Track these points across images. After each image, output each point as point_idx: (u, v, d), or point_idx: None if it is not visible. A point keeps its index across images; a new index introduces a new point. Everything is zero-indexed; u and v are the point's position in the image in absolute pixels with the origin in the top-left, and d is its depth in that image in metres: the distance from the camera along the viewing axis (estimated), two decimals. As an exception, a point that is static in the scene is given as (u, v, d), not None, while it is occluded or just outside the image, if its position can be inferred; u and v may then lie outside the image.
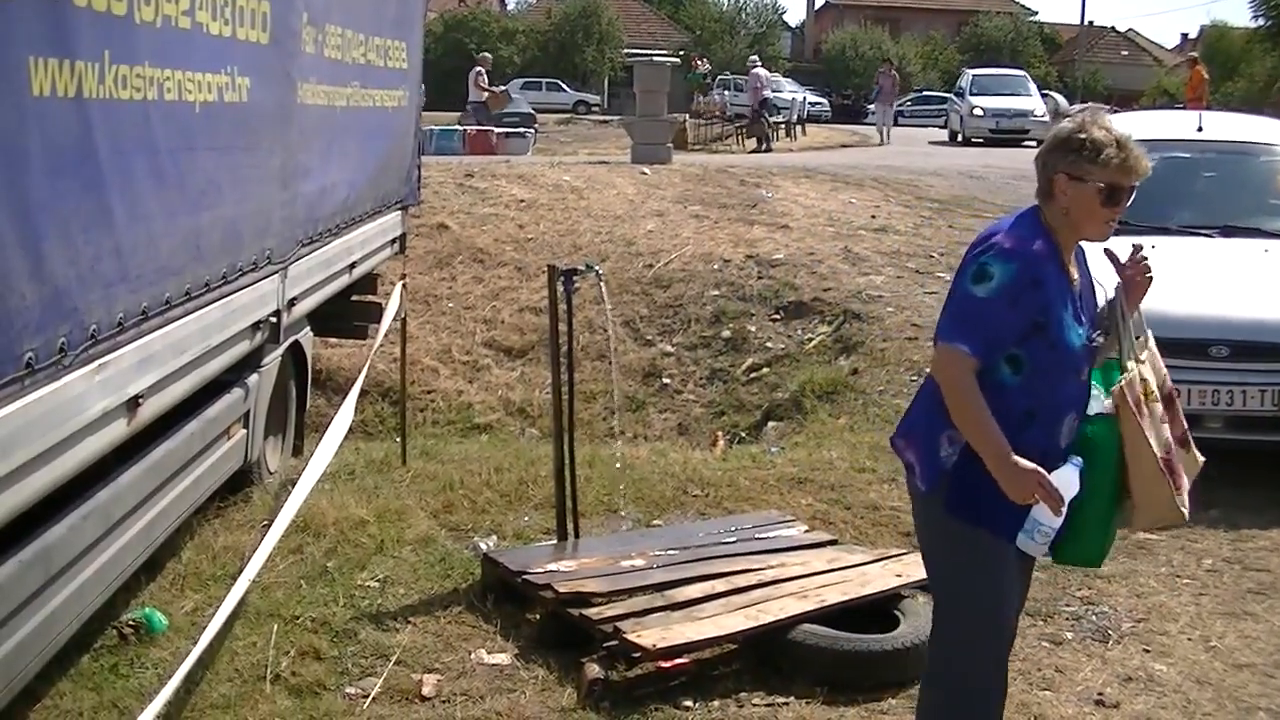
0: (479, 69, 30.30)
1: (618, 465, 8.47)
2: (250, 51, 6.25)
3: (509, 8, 77.47)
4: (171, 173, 5.36)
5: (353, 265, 9.05)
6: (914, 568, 6.45)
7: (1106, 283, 4.28)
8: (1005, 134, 33.55)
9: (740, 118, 34.97)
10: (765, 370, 12.76)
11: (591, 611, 5.87)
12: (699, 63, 46.14)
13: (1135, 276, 4.16)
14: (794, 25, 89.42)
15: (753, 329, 13.48)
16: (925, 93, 60.57)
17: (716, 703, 5.47)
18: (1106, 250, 4.17)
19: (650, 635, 5.55)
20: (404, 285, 9.06)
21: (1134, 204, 4.07)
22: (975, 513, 4.00)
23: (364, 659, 5.80)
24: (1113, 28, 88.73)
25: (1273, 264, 9.13)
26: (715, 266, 14.75)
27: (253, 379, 7.24)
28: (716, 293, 14.19)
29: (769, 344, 13.17)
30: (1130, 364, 4.10)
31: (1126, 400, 4.02)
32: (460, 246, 15.66)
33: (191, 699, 5.27)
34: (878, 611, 6.02)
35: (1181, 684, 5.82)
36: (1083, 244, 4.18)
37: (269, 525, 6.52)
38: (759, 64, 34.91)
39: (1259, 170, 10.60)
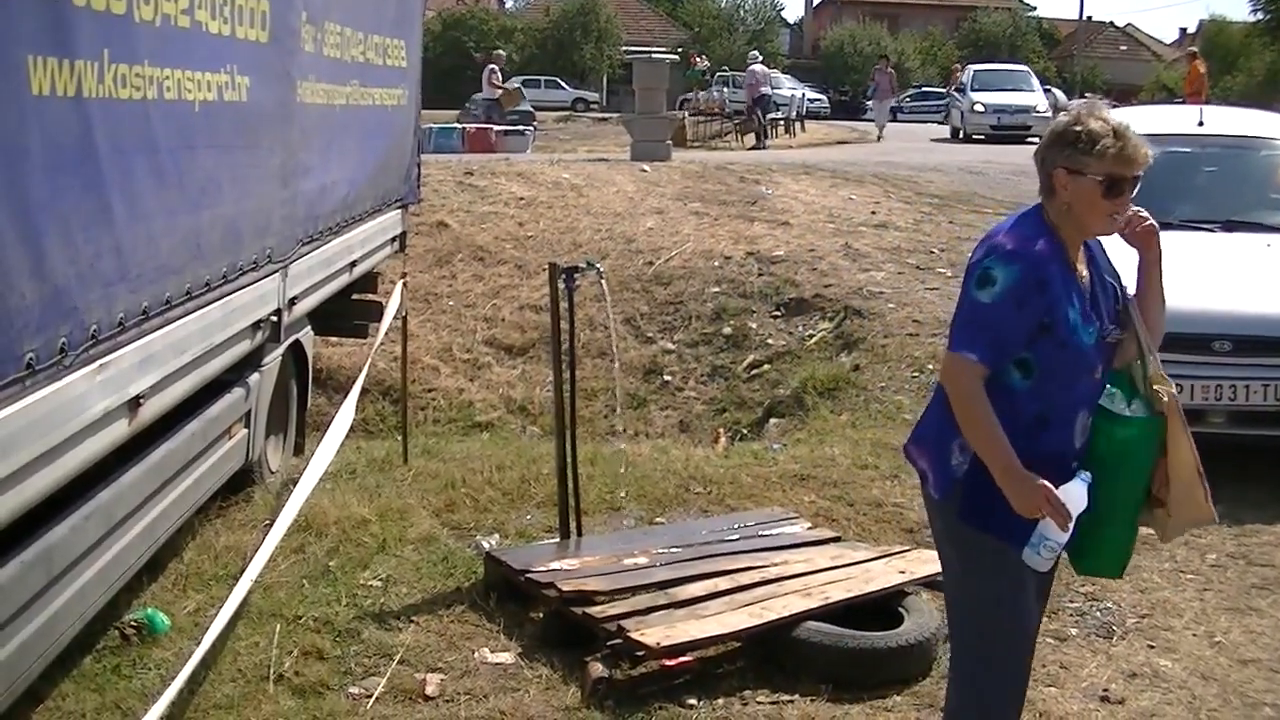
0: (493, 66, 30.34)
1: (621, 464, 8.45)
2: (250, 50, 6.23)
3: (507, 6, 77.56)
4: (171, 172, 5.34)
5: (353, 264, 9.03)
6: (917, 564, 6.46)
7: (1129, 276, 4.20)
8: (1007, 130, 32.82)
9: (739, 114, 34.93)
10: (766, 367, 12.75)
11: (595, 610, 5.86)
12: (697, 59, 46.15)
13: (1132, 232, 4.06)
14: (792, 22, 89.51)
15: (754, 326, 13.47)
16: (924, 89, 60.57)
17: (721, 701, 5.45)
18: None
19: (654, 633, 5.54)
20: (405, 284, 9.04)
21: (1135, 199, 4.01)
22: (987, 521, 3.91)
23: (367, 658, 5.79)
24: (1111, 23, 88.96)
25: (1275, 258, 9.11)
26: (716, 263, 14.73)
27: (254, 378, 7.23)
28: (717, 290, 14.18)
29: (770, 341, 13.16)
30: (1155, 363, 4.02)
31: (1175, 407, 3.95)
32: (460, 244, 15.65)
33: (194, 699, 5.26)
34: (881, 609, 6.01)
35: (1186, 680, 5.81)
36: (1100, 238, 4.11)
37: (270, 525, 6.51)
38: (759, 60, 34.80)
39: (1260, 164, 10.58)
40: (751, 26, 77.46)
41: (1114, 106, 4.18)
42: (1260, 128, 11.09)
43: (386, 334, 8.94)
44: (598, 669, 5.49)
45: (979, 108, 34.18)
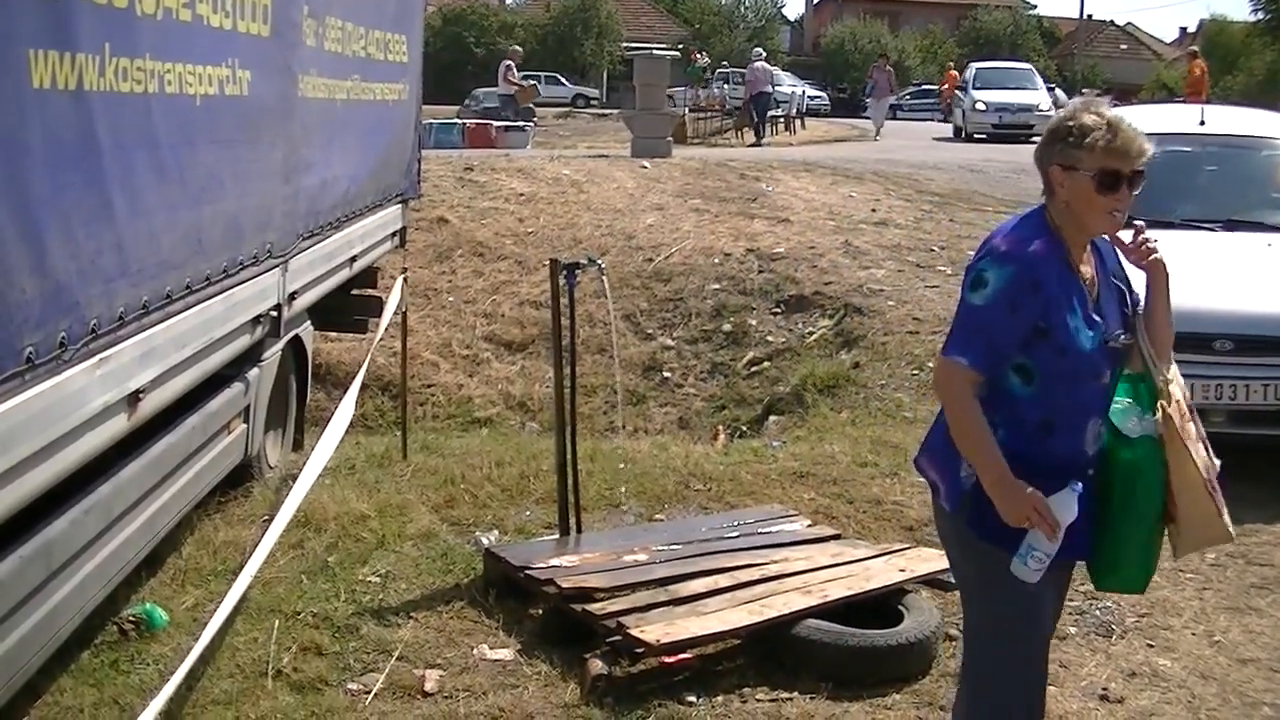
0: (509, 62, 30.40)
1: (620, 461, 8.44)
2: (251, 44, 6.23)
3: (508, 2, 77.40)
4: (172, 166, 5.34)
5: (353, 259, 9.03)
6: (917, 563, 6.45)
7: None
8: (1008, 130, 32.13)
9: (738, 110, 34.90)
10: (766, 364, 12.74)
11: (594, 607, 5.85)
12: (698, 56, 46.14)
13: (1139, 261, 3.97)
14: (793, 19, 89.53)
15: (753, 323, 13.46)
16: (924, 87, 60.52)
17: (720, 698, 5.44)
18: (1114, 238, 3.99)
19: (653, 631, 5.53)
20: (405, 279, 9.04)
21: (1135, 198, 3.92)
22: (997, 532, 3.79)
23: (366, 655, 5.78)
24: (1111, 21, 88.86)
25: (1275, 258, 9.11)
26: (716, 260, 14.72)
27: (253, 373, 7.22)
28: (717, 286, 14.17)
29: (770, 338, 13.16)
30: (1162, 380, 3.92)
31: (1174, 423, 3.85)
32: (460, 240, 15.64)
33: (193, 695, 5.25)
34: (881, 607, 6.00)
35: (1186, 679, 5.81)
36: (1108, 238, 4.01)
37: (269, 520, 6.50)
38: (763, 58, 34.71)
39: (1261, 164, 10.56)
40: (752, 23, 77.48)
41: (1115, 104, 4.08)
42: (1261, 127, 11.08)
43: (386, 329, 8.93)
44: (597, 666, 5.48)
45: (980, 106, 33.63)
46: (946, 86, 52.80)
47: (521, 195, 17.30)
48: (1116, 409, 3.94)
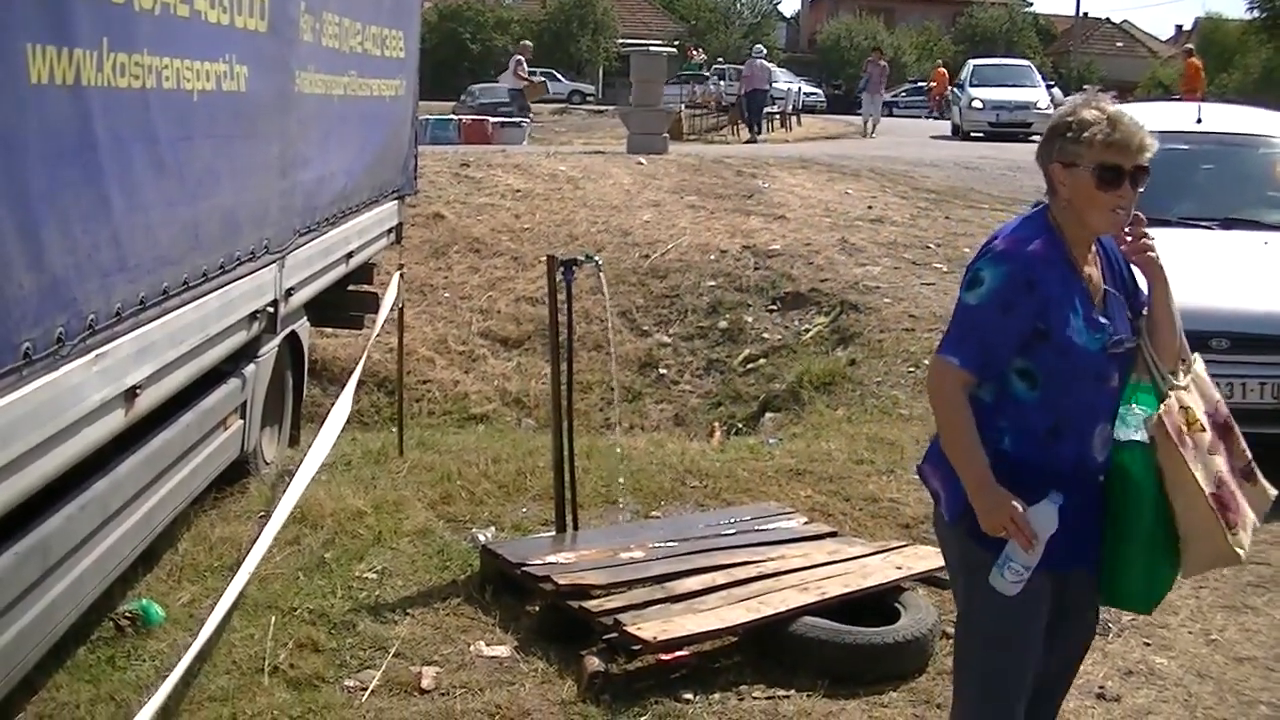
0: (519, 57, 30.41)
1: (618, 456, 8.43)
2: (248, 40, 6.21)
3: (504, -2, 77.40)
4: (170, 161, 5.32)
5: (350, 255, 9.02)
6: (914, 560, 6.45)
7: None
8: (1006, 128, 31.63)
9: (733, 105, 34.88)
10: (762, 361, 12.75)
11: (591, 604, 5.85)
12: (694, 53, 46.13)
13: (1132, 255, 3.87)
14: (789, 15, 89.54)
15: (749, 320, 13.47)
16: (920, 84, 60.49)
17: (717, 695, 5.44)
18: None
19: (650, 628, 5.53)
20: (401, 275, 9.03)
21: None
22: (994, 543, 3.70)
23: (362, 651, 5.77)
24: (1107, 19, 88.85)
25: (1273, 256, 9.11)
26: (712, 257, 14.73)
27: (250, 369, 7.21)
28: (713, 283, 14.18)
29: (766, 335, 13.17)
30: (1167, 385, 3.82)
31: (1165, 431, 3.72)
32: (456, 236, 15.64)
33: (190, 691, 5.24)
34: (878, 604, 6.00)
35: (1182, 677, 5.81)
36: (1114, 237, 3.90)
37: (266, 516, 6.50)
38: (763, 55, 34.65)
39: (1259, 162, 10.57)
40: (748, 20, 77.48)
41: (1115, 100, 4.00)
42: (1258, 126, 11.08)
43: (382, 325, 8.92)
44: (594, 663, 5.48)
45: (977, 104, 33.04)
46: (935, 85, 52.87)
47: (518, 191, 17.30)
48: (1120, 413, 3.85)
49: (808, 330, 12.92)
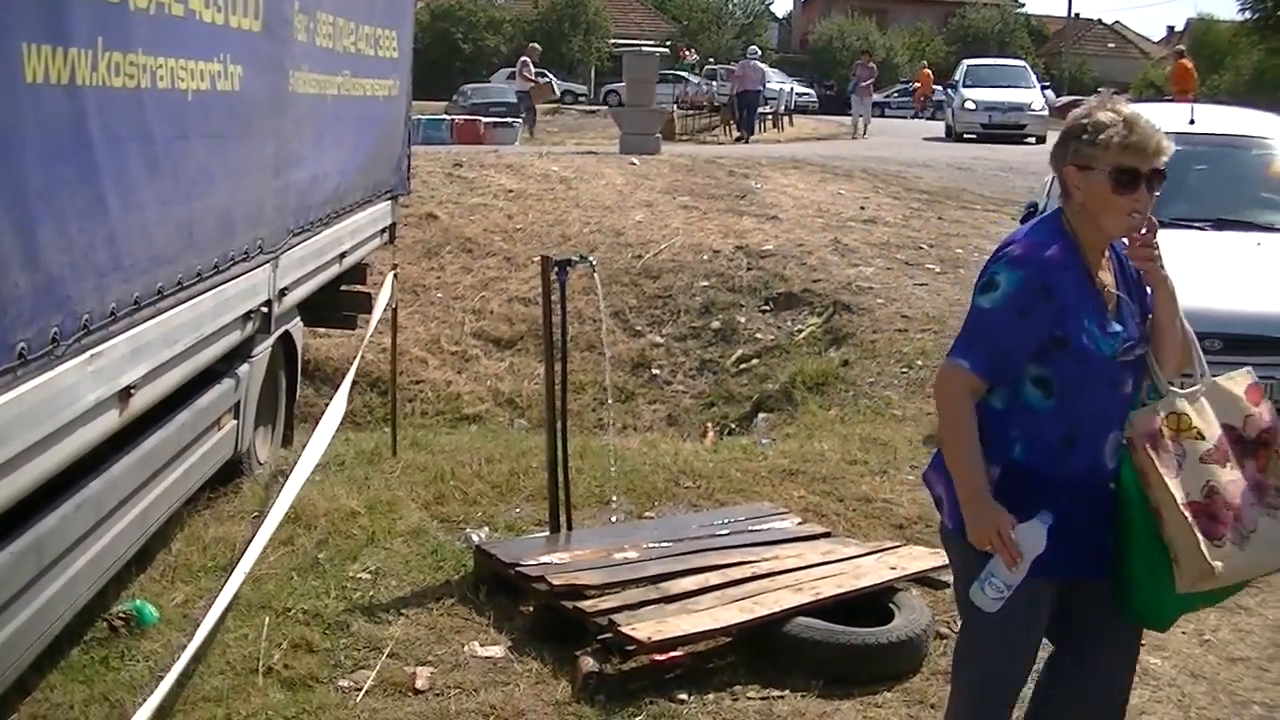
0: (525, 58, 30.55)
1: (610, 458, 8.43)
2: (243, 39, 6.21)
3: (496, -2, 77.39)
4: (164, 161, 5.32)
5: (343, 255, 9.01)
6: (908, 561, 6.45)
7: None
8: (999, 129, 31.49)
9: (725, 106, 34.88)
10: (755, 361, 12.76)
11: (586, 604, 5.84)
12: (686, 53, 46.12)
13: (1134, 258, 3.80)
14: (781, 16, 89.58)
15: (742, 320, 13.48)
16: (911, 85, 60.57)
17: (712, 696, 5.44)
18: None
19: (645, 628, 5.52)
20: (395, 275, 9.02)
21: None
22: (985, 555, 3.65)
23: (356, 651, 5.76)
24: (1099, 20, 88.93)
25: (1265, 257, 9.12)
26: (705, 257, 14.74)
27: (243, 369, 7.21)
28: (706, 284, 14.19)
29: (758, 335, 13.18)
30: (1167, 393, 3.75)
31: (1136, 436, 3.69)
32: (449, 236, 15.64)
33: (184, 692, 5.22)
34: (872, 605, 5.99)
35: (1176, 678, 5.81)
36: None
37: (259, 516, 6.49)
38: (758, 56, 34.63)
39: (1251, 163, 10.57)
40: (740, 20, 77.46)
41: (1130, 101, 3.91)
42: (1251, 127, 11.09)
43: (375, 326, 8.91)
44: (588, 663, 5.47)
45: (969, 105, 32.69)
46: (919, 85, 52.99)
47: (510, 192, 17.30)
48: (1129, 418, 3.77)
49: (800, 331, 12.93)
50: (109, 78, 4.65)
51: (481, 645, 5.85)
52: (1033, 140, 30.41)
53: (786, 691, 5.47)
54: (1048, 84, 43.47)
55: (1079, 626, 3.97)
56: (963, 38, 74.39)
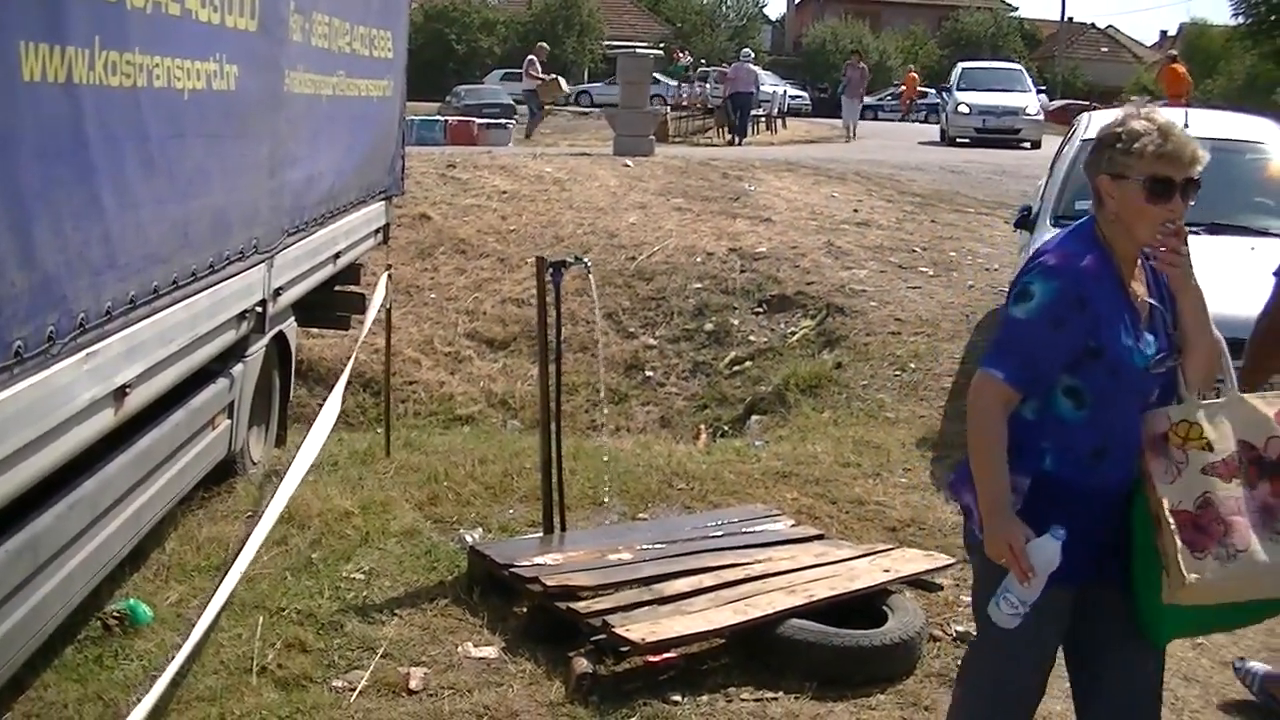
0: (532, 57, 30.51)
1: (604, 459, 8.44)
2: (239, 39, 6.21)
3: (490, -1, 77.37)
4: (160, 160, 5.32)
5: (337, 255, 9.01)
6: (901, 563, 6.47)
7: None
8: (993, 134, 30.79)
9: (718, 109, 34.88)
10: (748, 364, 12.76)
11: (580, 605, 5.85)
12: (680, 55, 46.13)
13: (1160, 263, 3.71)
14: (774, 18, 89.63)
15: (735, 322, 13.48)
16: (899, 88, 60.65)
17: (705, 697, 5.44)
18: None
19: (639, 629, 5.53)
20: (389, 276, 9.02)
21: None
22: (1002, 570, 3.63)
23: (350, 651, 5.76)
24: (1092, 24, 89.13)
25: (1259, 262, 9.12)
26: (698, 259, 14.74)
27: (238, 369, 7.20)
28: (699, 285, 14.19)
29: (752, 337, 13.18)
30: (1190, 403, 3.73)
31: (1153, 451, 3.66)
32: (442, 237, 15.64)
33: (177, 691, 5.22)
34: (866, 607, 6.00)
35: (1169, 681, 5.75)
36: None
37: (253, 516, 6.49)
38: (749, 58, 34.62)
39: (1245, 167, 10.58)
40: (734, 22, 77.50)
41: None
42: (1245, 131, 11.11)
43: (369, 326, 8.91)
44: (582, 664, 5.48)
45: (963, 108, 32.21)
46: (905, 89, 53.11)
47: (504, 193, 17.30)
48: None
49: (794, 333, 12.93)
50: (106, 77, 4.65)
51: (475, 646, 5.86)
52: (1027, 145, 30.17)
53: (780, 693, 5.47)
54: (1043, 88, 43.38)
55: (1091, 640, 3.92)
56: (956, 41, 74.47)
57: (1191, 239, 3.63)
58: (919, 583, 6.47)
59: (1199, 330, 3.77)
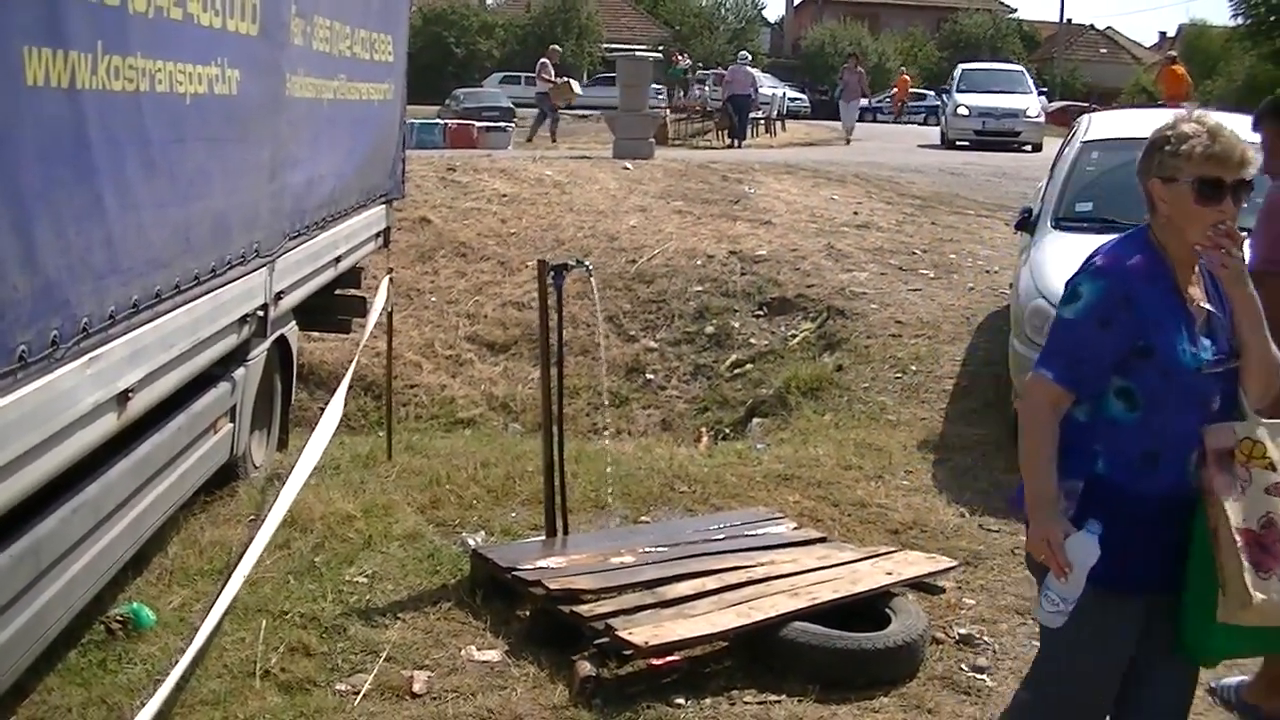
0: (545, 61, 30.52)
1: (606, 462, 8.43)
2: (240, 43, 6.21)
3: (488, 2, 77.29)
4: (162, 164, 5.33)
5: (338, 259, 9.02)
6: (904, 566, 6.47)
7: None
8: (992, 136, 30.28)
9: (718, 112, 34.85)
10: (749, 366, 12.75)
11: (582, 609, 5.85)
12: (679, 58, 46.11)
13: (1210, 261, 3.68)
14: (773, 21, 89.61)
15: (736, 325, 13.47)
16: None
17: (709, 700, 5.44)
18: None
19: (642, 633, 5.52)
20: (390, 279, 9.02)
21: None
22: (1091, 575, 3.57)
23: (354, 655, 5.77)
24: (1091, 25, 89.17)
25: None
26: (698, 262, 14.73)
27: (239, 373, 7.21)
28: (700, 288, 14.18)
29: (753, 340, 13.16)
30: (1254, 420, 3.66)
31: (1207, 451, 3.62)
32: (443, 240, 15.63)
33: (181, 695, 5.22)
34: (869, 610, 6.00)
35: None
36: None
37: (255, 520, 6.48)
38: (747, 61, 34.61)
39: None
40: (732, 25, 77.48)
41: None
42: (1244, 133, 11.09)
43: (371, 330, 8.91)
44: (585, 668, 5.48)
45: (962, 110, 31.71)
46: (896, 91, 53.18)
47: (504, 196, 17.29)
48: None
49: (794, 336, 12.92)
50: (108, 81, 4.65)
51: (478, 649, 5.86)
52: (1028, 148, 29.91)
53: (783, 696, 5.48)
54: (1043, 89, 43.34)
55: (1139, 653, 3.85)
56: (955, 43, 74.57)
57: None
58: (921, 585, 6.47)
59: (1251, 337, 3.72)
